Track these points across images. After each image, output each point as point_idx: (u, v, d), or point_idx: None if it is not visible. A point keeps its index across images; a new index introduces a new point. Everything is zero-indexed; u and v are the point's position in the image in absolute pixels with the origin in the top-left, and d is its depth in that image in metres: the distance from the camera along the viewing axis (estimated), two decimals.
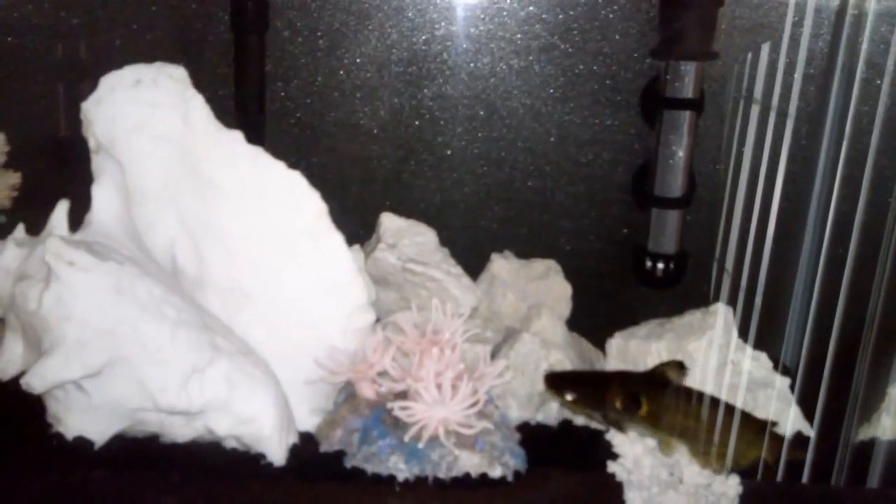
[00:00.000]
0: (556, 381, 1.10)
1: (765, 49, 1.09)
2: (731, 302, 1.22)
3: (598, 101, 1.54)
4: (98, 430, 1.06)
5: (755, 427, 1.10)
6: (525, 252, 1.45)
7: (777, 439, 1.10)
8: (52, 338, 0.98)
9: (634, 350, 1.23)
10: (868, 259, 1.14)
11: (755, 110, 1.12)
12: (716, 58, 1.43)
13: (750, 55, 1.15)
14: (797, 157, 1.18)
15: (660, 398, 1.09)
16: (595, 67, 1.53)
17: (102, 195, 1.07)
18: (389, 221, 1.37)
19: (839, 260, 1.18)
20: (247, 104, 1.50)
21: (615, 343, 1.26)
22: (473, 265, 1.38)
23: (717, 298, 1.24)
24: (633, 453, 1.08)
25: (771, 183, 1.18)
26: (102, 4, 1.53)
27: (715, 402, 1.11)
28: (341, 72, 1.57)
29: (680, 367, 1.14)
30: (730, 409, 1.11)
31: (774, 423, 1.10)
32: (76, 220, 1.11)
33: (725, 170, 1.25)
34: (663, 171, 1.44)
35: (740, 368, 1.23)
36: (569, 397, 1.08)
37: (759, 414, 1.17)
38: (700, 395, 1.13)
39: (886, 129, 1.11)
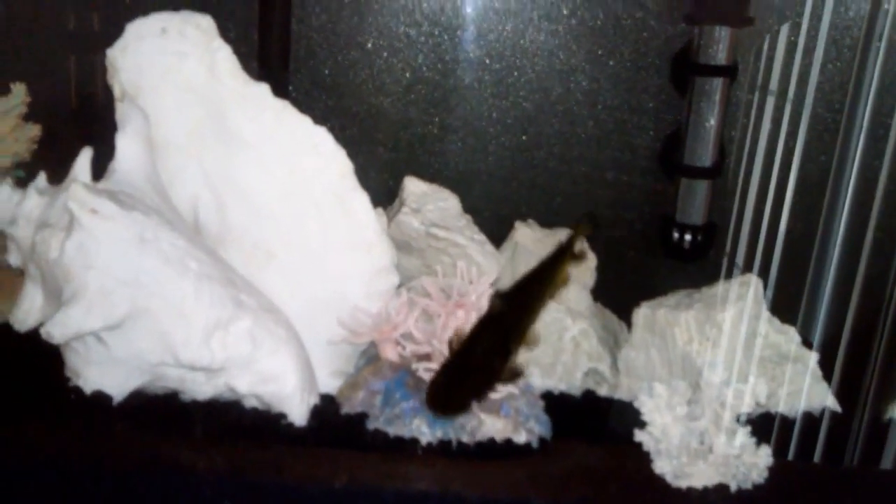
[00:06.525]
0: None
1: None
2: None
3: (627, 67, 1.51)
4: (117, 385, 1.04)
5: None
6: (549, 221, 1.43)
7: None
8: (73, 287, 0.96)
9: (662, 320, 1.20)
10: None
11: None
12: (751, 24, 1.40)
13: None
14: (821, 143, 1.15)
15: None
16: (626, 32, 1.50)
17: (127, 144, 1.05)
18: (413, 185, 1.34)
19: (859, 244, 1.16)
20: (271, 60, 1.47)
21: (642, 313, 1.23)
22: (496, 233, 1.36)
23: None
24: (662, 422, 1.05)
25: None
26: None
27: None
28: (366, 32, 1.54)
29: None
30: None
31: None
32: (97, 175, 1.08)
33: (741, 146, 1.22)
34: (693, 140, 1.41)
35: (768, 341, 1.21)
36: None
37: (788, 390, 1.15)
38: None
39: None
